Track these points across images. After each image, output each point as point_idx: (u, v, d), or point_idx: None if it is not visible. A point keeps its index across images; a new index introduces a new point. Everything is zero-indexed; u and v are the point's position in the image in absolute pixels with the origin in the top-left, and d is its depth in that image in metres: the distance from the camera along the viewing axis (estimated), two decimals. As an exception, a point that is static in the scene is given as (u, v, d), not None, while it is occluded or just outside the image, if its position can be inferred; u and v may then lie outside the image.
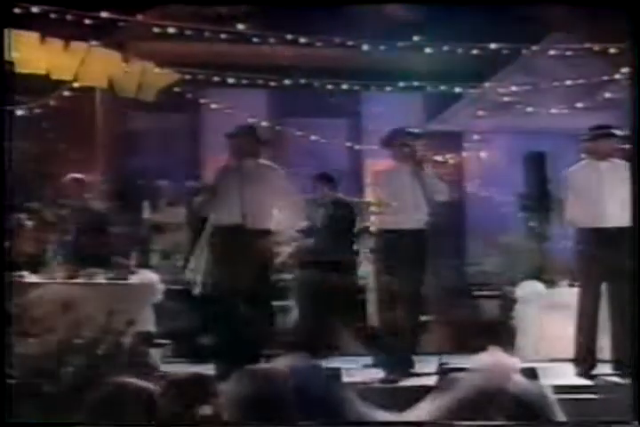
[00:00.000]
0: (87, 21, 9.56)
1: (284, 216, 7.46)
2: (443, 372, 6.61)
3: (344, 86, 10.72)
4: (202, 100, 11.12)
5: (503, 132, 11.60)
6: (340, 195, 8.85)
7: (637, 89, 4.48)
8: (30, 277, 8.38)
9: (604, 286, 7.56)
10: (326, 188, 8.69)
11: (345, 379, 6.28)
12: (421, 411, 5.26)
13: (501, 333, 9.04)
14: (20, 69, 9.64)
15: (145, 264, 10.12)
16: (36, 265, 9.28)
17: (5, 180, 9.85)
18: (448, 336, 9.51)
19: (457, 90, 10.84)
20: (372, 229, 7.96)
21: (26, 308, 6.73)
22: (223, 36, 10.10)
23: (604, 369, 7.46)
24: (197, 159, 12.28)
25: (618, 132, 7.75)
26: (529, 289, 8.91)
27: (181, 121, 12.19)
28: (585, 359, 7.51)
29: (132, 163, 12.13)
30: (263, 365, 5.51)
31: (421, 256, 7.63)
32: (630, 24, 4.58)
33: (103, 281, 8.40)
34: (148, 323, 7.95)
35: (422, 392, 5.38)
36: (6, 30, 9.23)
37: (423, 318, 10.10)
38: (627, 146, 7.48)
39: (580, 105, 10.52)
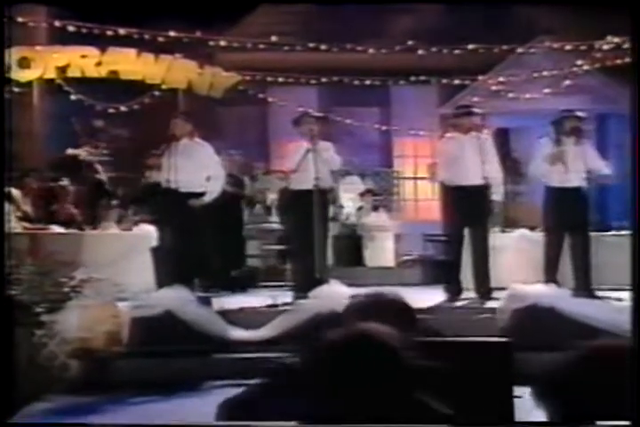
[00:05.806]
0: (168, 39, 12.64)
1: (207, 183, 8.87)
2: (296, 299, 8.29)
3: (367, 82, 13.71)
4: (260, 96, 13.99)
5: (493, 114, 14.15)
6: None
7: (637, 86, 4.43)
8: (56, 229, 9.55)
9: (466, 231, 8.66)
10: None
11: (218, 306, 8.08)
12: (271, 329, 7.43)
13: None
14: (122, 77, 12.96)
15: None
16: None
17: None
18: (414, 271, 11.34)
19: (458, 82, 13.82)
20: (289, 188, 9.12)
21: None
22: (271, 46, 13.18)
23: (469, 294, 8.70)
24: (258, 142, 14.76)
25: (477, 111, 8.88)
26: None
27: (245, 112, 14.75)
28: (452, 289, 8.72)
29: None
30: (151, 294, 7.48)
31: (310, 210, 8.56)
32: (631, 21, 4.44)
33: (116, 231, 10.00)
34: (146, 257, 9.17)
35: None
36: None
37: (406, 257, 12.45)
38: (484, 122, 9.40)
39: (548, 91, 13.28)
